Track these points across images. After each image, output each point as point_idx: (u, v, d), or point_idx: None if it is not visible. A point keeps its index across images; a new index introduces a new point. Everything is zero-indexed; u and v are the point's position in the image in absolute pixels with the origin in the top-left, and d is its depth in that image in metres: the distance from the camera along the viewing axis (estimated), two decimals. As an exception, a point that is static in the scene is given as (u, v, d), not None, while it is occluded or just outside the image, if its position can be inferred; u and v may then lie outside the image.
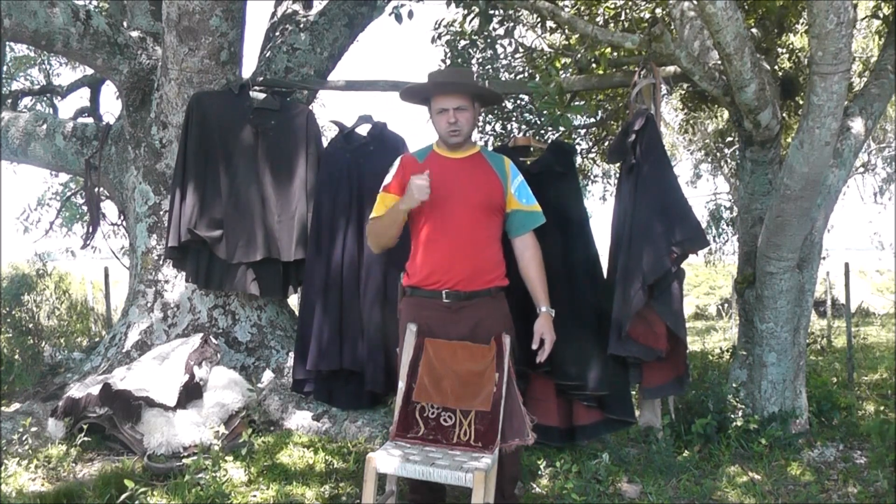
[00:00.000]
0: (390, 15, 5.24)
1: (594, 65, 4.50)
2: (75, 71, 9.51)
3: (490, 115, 6.47)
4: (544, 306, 2.79)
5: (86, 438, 3.48)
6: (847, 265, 6.39)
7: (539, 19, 5.66)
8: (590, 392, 3.37)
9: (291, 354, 4.34)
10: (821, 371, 5.51)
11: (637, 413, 3.71)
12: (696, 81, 3.67)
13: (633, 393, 4.10)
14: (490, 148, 6.37)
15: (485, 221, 2.73)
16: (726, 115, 8.06)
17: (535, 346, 2.75)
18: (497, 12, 5.33)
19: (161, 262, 4.55)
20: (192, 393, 3.74)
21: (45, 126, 5.23)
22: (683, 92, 5.97)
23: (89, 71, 7.96)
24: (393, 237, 2.77)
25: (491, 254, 2.76)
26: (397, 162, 2.84)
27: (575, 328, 3.42)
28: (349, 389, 4.01)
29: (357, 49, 6.75)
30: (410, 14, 5.05)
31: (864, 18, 6.66)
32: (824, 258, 7.70)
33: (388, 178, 2.82)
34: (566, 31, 5.79)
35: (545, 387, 3.48)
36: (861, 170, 14.09)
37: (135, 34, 4.78)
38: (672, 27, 4.31)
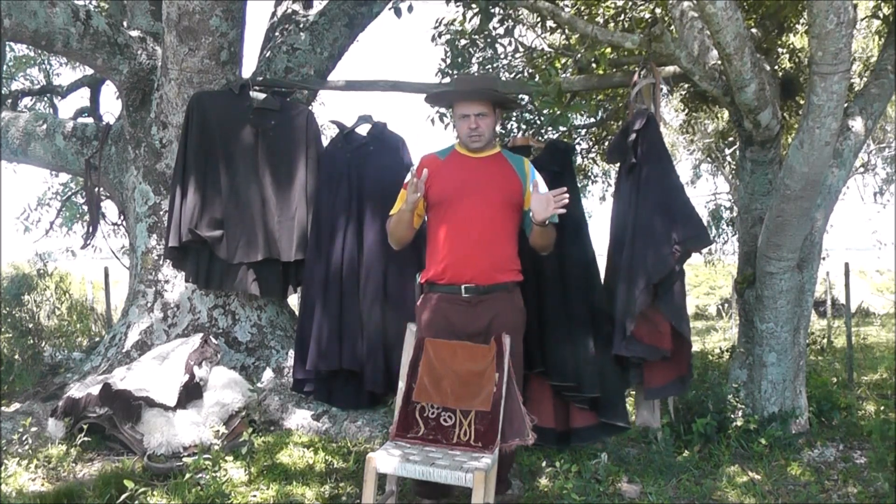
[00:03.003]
0: (390, 9, 5.23)
1: (594, 65, 4.50)
2: (75, 71, 9.50)
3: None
4: None
5: (86, 438, 3.48)
6: (847, 265, 6.40)
7: (539, 19, 5.66)
8: (582, 394, 3.37)
9: (291, 354, 4.34)
10: (821, 371, 5.51)
11: (635, 415, 3.71)
12: (696, 81, 3.67)
13: (631, 397, 4.10)
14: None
15: (502, 218, 2.81)
16: (726, 115, 8.06)
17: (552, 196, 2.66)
18: (497, 11, 5.33)
19: (161, 262, 4.55)
20: (192, 393, 3.74)
21: (45, 126, 5.23)
22: (683, 92, 5.97)
23: (89, 71, 7.95)
24: (404, 234, 2.89)
25: (507, 249, 2.84)
26: (418, 160, 2.95)
27: (569, 329, 3.42)
28: (349, 389, 4.01)
29: (357, 49, 6.75)
30: (410, 8, 5.04)
31: (864, 18, 6.65)
32: (824, 258, 7.69)
33: (408, 176, 2.90)
34: (566, 31, 5.78)
35: (541, 388, 3.48)
36: (861, 170, 14.09)
37: (135, 34, 4.78)
38: (672, 27, 4.31)
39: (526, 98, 6.15)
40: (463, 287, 2.75)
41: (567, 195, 2.65)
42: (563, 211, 2.67)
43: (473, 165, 2.87)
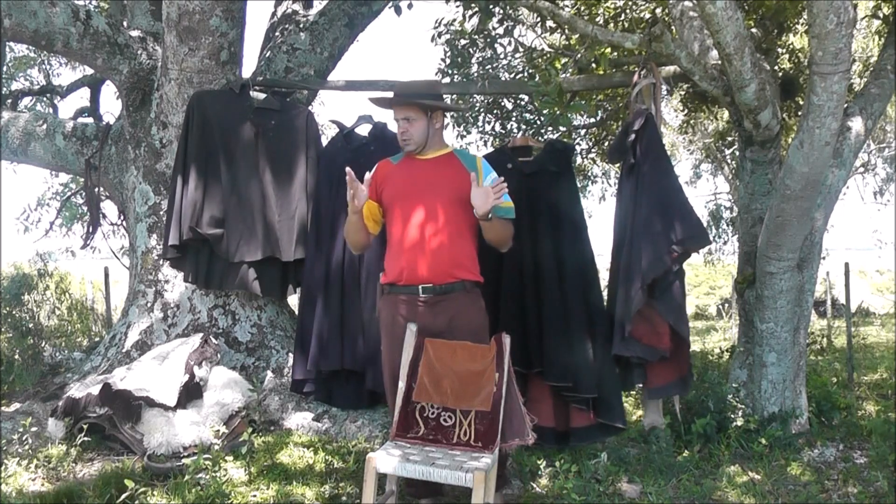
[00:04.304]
0: (389, 8, 5.23)
1: (594, 65, 4.51)
2: (75, 71, 9.51)
3: (490, 115, 6.48)
4: None
5: (86, 438, 3.48)
6: (847, 265, 6.39)
7: (539, 19, 5.66)
8: (579, 394, 3.37)
9: (291, 354, 4.34)
10: (821, 371, 5.50)
11: (643, 416, 3.71)
12: (696, 81, 3.67)
13: (634, 397, 4.10)
14: (491, 148, 6.39)
15: (456, 216, 2.81)
16: (726, 115, 8.06)
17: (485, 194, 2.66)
18: (497, 11, 5.33)
19: (161, 262, 4.55)
20: (192, 393, 3.73)
21: (45, 126, 5.23)
22: (683, 92, 5.97)
23: (89, 71, 7.96)
24: (359, 239, 2.93)
25: (464, 248, 2.83)
26: (375, 167, 2.96)
27: (566, 330, 3.42)
28: (349, 389, 4.01)
29: (357, 49, 6.76)
30: (410, 5, 5.03)
31: (864, 18, 6.66)
32: (824, 258, 7.70)
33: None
34: (566, 31, 5.79)
35: (540, 387, 3.48)
36: (861, 170, 14.10)
37: (135, 34, 4.78)
38: (672, 27, 4.31)
39: (526, 98, 6.16)
40: (420, 287, 2.76)
41: (505, 186, 2.64)
42: (501, 202, 2.67)
43: (425, 167, 2.89)
